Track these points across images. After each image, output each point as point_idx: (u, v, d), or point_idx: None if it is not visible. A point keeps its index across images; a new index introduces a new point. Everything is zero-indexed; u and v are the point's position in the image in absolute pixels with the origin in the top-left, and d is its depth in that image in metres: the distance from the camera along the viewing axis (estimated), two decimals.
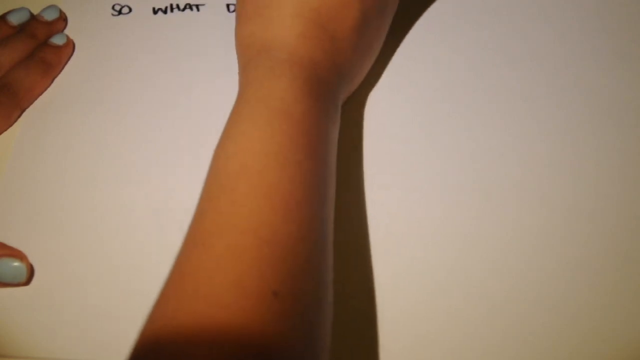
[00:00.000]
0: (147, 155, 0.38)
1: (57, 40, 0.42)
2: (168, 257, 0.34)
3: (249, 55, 0.34)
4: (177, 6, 0.45)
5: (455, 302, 0.33)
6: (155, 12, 0.45)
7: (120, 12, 0.45)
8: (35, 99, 0.40)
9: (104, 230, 0.35)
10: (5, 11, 0.43)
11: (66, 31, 0.43)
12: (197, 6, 0.45)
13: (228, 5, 0.45)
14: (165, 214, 0.36)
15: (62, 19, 0.44)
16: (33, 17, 0.43)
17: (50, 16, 0.43)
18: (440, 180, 0.36)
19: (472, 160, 0.37)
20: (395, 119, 0.39)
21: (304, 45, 0.34)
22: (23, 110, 0.40)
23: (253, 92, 0.32)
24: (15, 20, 0.43)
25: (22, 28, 0.42)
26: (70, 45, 0.42)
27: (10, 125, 0.39)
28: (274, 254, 0.26)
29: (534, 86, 0.40)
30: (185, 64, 0.42)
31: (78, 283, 0.34)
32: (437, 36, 0.42)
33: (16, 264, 0.33)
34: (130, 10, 0.45)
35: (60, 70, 0.42)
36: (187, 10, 0.45)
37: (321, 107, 0.32)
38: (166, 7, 0.45)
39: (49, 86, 0.41)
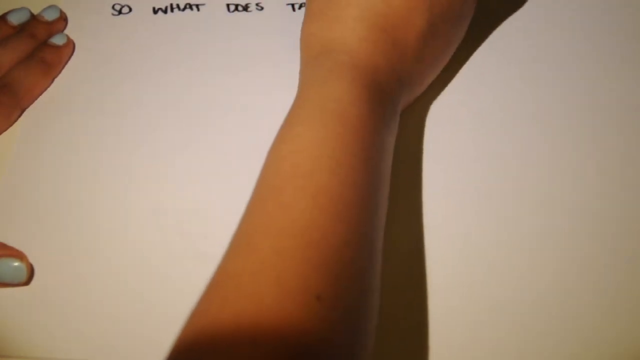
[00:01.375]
0: (147, 155, 0.38)
1: (57, 40, 0.42)
2: (168, 257, 0.34)
3: (310, 54, 0.34)
4: (177, 6, 0.45)
5: (456, 302, 0.33)
6: (155, 12, 0.45)
7: (120, 12, 0.45)
8: (36, 99, 0.40)
9: (104, 230, 0.35)
10: (5, 11, 0.43)
11: (66, 31, 0.44)
12: (197, 6, 0.45)
13: (228, 5, 0.45)
14: (165, 214, 0.36)
15: (63, 19, 0.44)
16: (33, 17, 0.43)
17: (50, 16, 0.43)
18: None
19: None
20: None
21: (366, 49, 0.33)
22: (23, 110, 0.40)
23: (310, 93, 0.32)
24: (15, 20, 0.43)
25: (22, 28, 0.42)
26: (70, 45, 0.42)
27: (11, 125, 0.39)
28: (320, 257, 0.26)
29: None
30: (185, 64, 0.42)
31: (78, 283, 0.34)
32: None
33: (16, 264, 0.33)
34: (130, 10, 0.45)
35: (61, 70, 0.42)
36: (187, 10, 0.45)
37: (378, 112, 0.32)
38: (166, 7, 0.45)
39: (49, 86, 0.41)
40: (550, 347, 0.31)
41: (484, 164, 0.37)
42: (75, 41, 0.43)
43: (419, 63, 0.36)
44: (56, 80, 0.41)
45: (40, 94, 0.41)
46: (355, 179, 0.29)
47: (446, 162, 0.37)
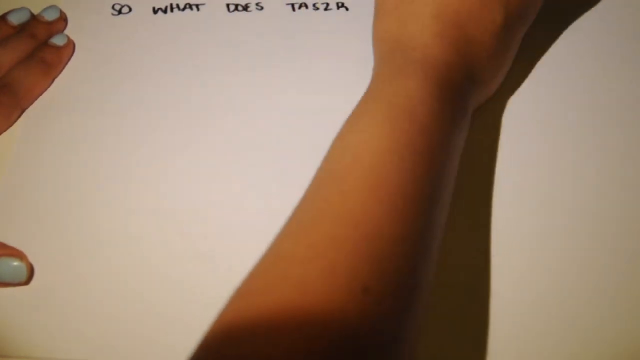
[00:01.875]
0: (147, 155, 0.38)
1: (58, 40, 0.42)
2: (168, 257, 0.34)
3: (384, 50, 0.34)
4: (177, 6, 0.45)
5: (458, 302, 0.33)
6: (155, 11, 0.45)
7: (120, 12, 0.45)
8: (36, 99, 0.40)
9: (104, 230, 0.35)
10: (5, 11, 0.43)
11: (66, 31, 0.43)
12: (197, 6, 0.45)
13: (228, 5, 0.45)
14: (165, 214, 0.36)
15: (63, 19, 0.44)
16: (33, 17, 0.43)
17: (50, 16, 0.43)
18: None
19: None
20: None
21: (439, 46, 0.33)
22: (23, 110, 0.40)
23: (381, 88, 0.32)
24: (15, 20, 0.43)
25: (23, 28, 0.42)
26: (70, 46, 0.42)
27: (11, 125, 0.39)
28: (372, 250, 0.26)
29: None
30: (185, 64, 0.42)
31: (78, 283, 0.34)
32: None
33: (16, 263, 0.33)
34: (130, 10, 0.45)
35: (61, 71, 0.42)
36: (187, 10, 0.45)
37: (448, 110, 0.31)
38: (166, 7, 0.45)
39: (49, 86, 0.41)
40: (550, 347, 0.31)
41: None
42: (75, 41, 0.43)
43: (492, 60, 0.35)
44: (56, 80, 0.41)
45: (40, 94, 0.41)
46: (417, 175, 0.28)
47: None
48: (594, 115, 0.39)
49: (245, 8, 0.45)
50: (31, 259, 0.34)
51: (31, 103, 0.40)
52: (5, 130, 0.39)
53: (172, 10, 0.45)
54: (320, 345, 0.23)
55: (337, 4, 0.44)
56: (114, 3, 0.45)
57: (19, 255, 0.34)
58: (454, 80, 0.33)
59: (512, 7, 0.35)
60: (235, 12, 0.45)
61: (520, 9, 0.36)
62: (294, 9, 0.45)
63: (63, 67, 0.42)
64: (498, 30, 0.35)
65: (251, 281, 0.26)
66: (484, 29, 0.34)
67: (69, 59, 0.42)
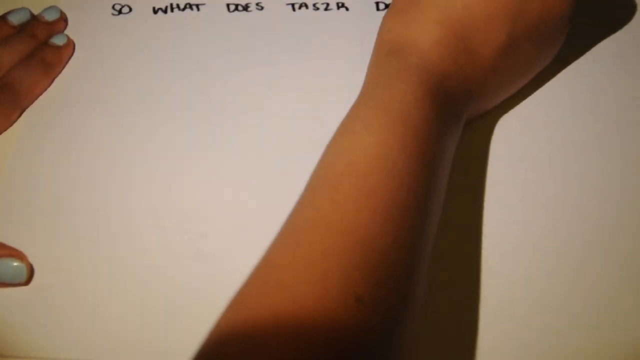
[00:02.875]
0: (147, 155, 0.38)
1: (58, 40, 0.42)
2: (168, 256, 0.34)
3: (382, 50, 0.34)
4: (177, 6, 0.45)
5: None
6: (155, 11, 0.45)
7: (120, 12, 0.45)
8: (36, 99, 0.41)
9: (104, 230, 0.35)
10: (6, 11, 0.43)
11: (66, 31, 0.43)
12: (197, 6, 0.45)
13: (228, 5, 0.45)
14: (165, 214, 0.36)
15: (63, 19, 0.44)
16: (33, 17, 0.43)
17: (50, 16, 0.43)
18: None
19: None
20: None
21: (437, 54, 0.33)
22: (23, 110, 0.40)
23: (375, 92, 0.32)
24: (15, 20, 0.43)
25: (23, 28, 0.42)
26: (70, 46, 0.42)
27: (11, 125, 0.39)
28: (365, 258, 0.25)
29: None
30: (185, 64, 0.42)
31: (78, 283, 0.34)
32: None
33: (16, 264, 0.33)
34: (130, 9, 0.45)
35: (61, 71, 0.42)
36: (187, 10, 0.45)
37: (442, 118, 0.31)
38: (166, 7, 0.45)
39: (49, 86, 0.41)
40: (550, 347, 0.31)
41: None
42: (75, 41, 0.43)
43: (494, 76, 0.35)
44: (56, 80, 0.41)
45: (41, 94, 0.41)
46: (411, 182, 0.28)
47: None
48: (591, 120, 0.39)
49: (245, 8, 0.45)
50: (31, 259, 0.34)
51: (31, 103, 0.40)
52: (5, 130, 0.39)
53: (172, 10, 0.45)
54: (312, 354, 0.23)
55: (337, 4, 0.44)
56: (114, 3, 0.45)
57: (19, 255, 0.34)
58: (448, 89, 0.32)
59: (519, 28, 0.34)
60: (235, 12, 0.45)
61: (531, 30, 0.35)
62: (294, 9, 0.45)
63: (63, 67, 0.42)
64: (502, 48, 0.34)
65: (245, 290, 0.26)
66: (487, 44, 0.34)
67: (69, 59, 0.42)
